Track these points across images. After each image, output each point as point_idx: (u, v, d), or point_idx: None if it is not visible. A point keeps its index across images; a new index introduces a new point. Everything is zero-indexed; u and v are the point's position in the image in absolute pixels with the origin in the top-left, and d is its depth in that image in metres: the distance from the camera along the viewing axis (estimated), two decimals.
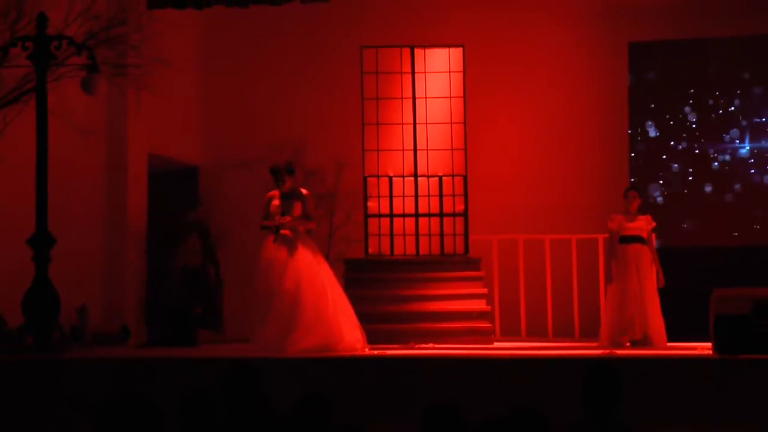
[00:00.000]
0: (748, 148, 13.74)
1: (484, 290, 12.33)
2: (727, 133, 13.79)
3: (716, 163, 13.82)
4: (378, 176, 12.91)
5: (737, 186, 13.77)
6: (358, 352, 10.31)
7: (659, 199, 13.90)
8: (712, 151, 13.84)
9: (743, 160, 13.76)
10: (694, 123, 13.89)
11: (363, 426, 4.66)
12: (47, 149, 10.43)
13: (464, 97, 12.96)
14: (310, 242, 10.81)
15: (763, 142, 13.66)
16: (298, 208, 10.73)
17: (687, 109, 13.92)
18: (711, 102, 13.85)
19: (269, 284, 10.55)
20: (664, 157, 13.97)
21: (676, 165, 13.92)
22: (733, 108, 13.79)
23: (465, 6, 14.02)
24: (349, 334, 10.44)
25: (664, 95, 13.98)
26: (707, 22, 13.81)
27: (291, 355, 9.82)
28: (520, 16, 14.29)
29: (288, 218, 10.65)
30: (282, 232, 10.70)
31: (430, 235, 12.75)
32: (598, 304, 12.74)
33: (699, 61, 13.92)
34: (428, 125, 12.95)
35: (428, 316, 11.90)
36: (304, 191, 10.94)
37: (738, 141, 13.75)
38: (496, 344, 11.77)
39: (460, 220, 12.82)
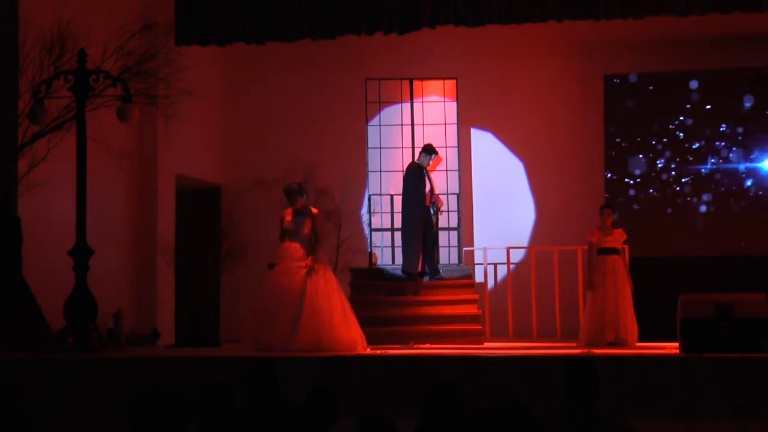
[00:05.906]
0: (710, 167, 13.69)
1: (476, 296, 12.31)
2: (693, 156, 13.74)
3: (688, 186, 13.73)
4: (380, 194, 12.93)
5: (702, 208, 13.68)
6: (358, 351, 10.22)
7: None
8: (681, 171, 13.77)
9: (709, 181, 13.67)
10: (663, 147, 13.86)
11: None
12: (86, 170, 10.44)
13: (457, 123, 12.99)
14: (321, 260, 10.66)
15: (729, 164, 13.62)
16: (308, 225, 10.60)
17: (656, 131, 13.88)
18: (675, 127, 13.82)
19: (279, 291, 10.43)
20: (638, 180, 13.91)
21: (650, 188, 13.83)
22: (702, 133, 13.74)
23: (458, 43, 14.03)
24: (348, 335, 10.30)
25: (635, 122, 13.94)
26: (674, 56, 13.82)
27: (294, 353, 9.69)
28: (508, 52, 14.31)
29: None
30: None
31: None
32: (577, 308, 12.73)
33: (667, 92, 13.89)
34: None
35: (425, 319, 11.87)
36: (314, 210, 10.75)
37: (706, 164, 13.66)
38: (487, 344, 11.74)
39: (453, 234, 12.83)
